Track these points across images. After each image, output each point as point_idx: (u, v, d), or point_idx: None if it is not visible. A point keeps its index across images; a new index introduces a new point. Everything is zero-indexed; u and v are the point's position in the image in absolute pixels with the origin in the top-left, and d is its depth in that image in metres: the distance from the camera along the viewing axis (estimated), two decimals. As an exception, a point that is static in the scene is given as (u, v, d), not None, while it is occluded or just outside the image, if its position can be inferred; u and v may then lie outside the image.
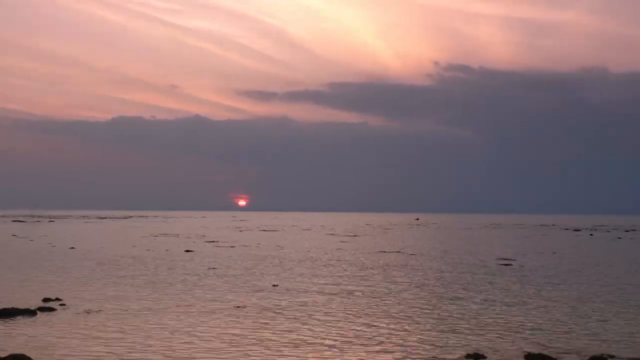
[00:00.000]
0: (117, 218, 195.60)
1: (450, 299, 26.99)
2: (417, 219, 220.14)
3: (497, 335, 19.31)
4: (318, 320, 21.75)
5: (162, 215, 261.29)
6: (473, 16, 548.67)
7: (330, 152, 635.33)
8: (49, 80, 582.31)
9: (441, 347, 17.67)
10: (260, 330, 19.74)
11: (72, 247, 57.73)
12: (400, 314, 23.22)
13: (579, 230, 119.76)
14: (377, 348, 17.45)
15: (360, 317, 22.45)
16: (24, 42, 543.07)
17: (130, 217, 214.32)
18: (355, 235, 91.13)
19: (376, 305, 25.25)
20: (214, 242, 70.53)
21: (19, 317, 21.50)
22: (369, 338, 18.78)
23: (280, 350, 17.08)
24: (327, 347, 17.50)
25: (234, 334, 19.13)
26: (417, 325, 20.86)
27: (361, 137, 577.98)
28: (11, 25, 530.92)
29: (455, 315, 22.89)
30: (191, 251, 54.54)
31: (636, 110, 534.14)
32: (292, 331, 19.70)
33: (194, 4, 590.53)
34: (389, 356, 16.56)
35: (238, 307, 24.30)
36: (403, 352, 17.05)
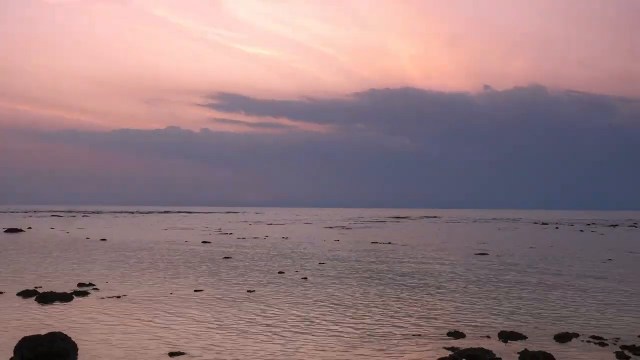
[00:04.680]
0: (141, 213, 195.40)
1: (433, 285, 26.98)
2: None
3: (474, 316, 19.30)
4: (316, 304, 21.76)
5: (172, 210, 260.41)
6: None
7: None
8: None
9: (425, 326, 17.66)
10: (268, 314, 19.76)
11: (104, 239, 57.72)
12: (387, 297, 23.22)
13: (546, 224, 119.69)
14: (367, 329, 17.44)
15: (351, 301, 22.45)
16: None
17: (152, 212, 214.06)
18: (348, 228, 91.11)
19: (364, 290, 25.25)
20: (226, 234, 70.50)
21: (56, 301, 21.51)
22: (358, 319, 18.78)
23: (284, 334, 17.08)
24: (322, 329, 17.50)
25: (245, 318, 19.13)
26: (402, 307, 20.86)
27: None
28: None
29: (437, 299, 22.89)
30: (208, 242, 54.51)
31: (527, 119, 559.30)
32: (292, 315, 19.71)
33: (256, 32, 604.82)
34: (378, 334, 16.54)
35: (250, 291, 24.31)
36: (390, 331, 17.04)
